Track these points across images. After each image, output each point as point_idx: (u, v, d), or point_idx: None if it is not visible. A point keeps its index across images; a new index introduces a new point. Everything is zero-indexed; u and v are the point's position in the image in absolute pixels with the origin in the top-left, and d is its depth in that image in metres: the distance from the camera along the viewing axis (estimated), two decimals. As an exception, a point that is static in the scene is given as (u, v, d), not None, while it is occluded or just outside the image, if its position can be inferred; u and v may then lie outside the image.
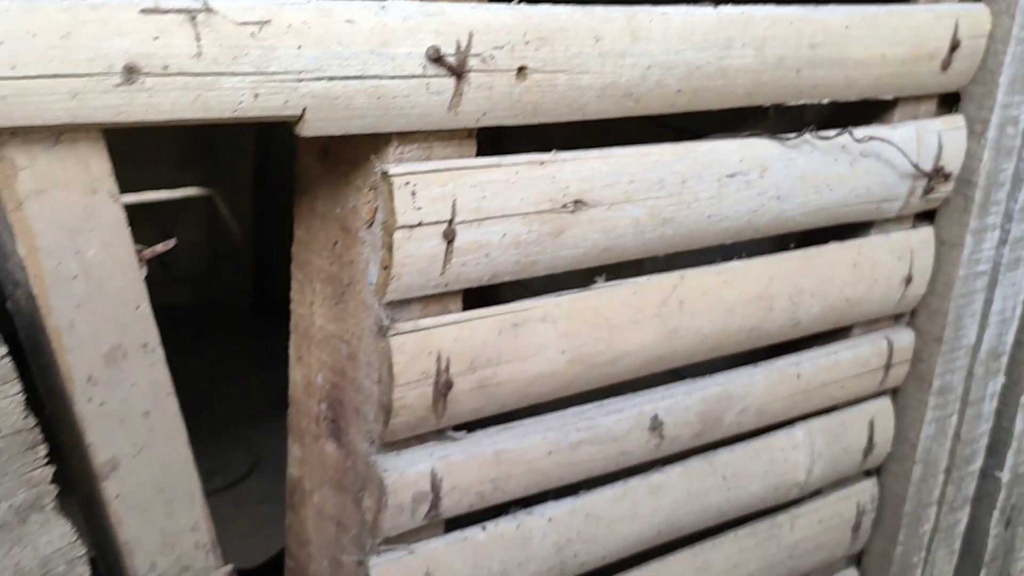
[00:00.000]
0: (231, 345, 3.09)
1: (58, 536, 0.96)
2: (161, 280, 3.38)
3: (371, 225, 1.12)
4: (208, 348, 3.05)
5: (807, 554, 1.72)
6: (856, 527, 1.78)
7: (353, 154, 1.12)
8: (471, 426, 1.27)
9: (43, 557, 0.95)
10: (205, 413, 2.77)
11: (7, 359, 0.89)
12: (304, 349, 1.26)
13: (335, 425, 1.24)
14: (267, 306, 3.24)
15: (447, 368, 1.17)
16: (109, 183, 0.95)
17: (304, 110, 0.99)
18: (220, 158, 3.16)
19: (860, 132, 1.42)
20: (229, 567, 1.15)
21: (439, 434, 1.24)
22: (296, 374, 1.29)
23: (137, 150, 3.00)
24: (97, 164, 0.94)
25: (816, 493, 1.72)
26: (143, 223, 3.39)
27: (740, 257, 1.43)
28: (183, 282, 3.17)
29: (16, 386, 0.90)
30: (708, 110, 1.30)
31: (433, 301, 1.17)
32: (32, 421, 0.92)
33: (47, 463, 0.94)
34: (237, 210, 3.18)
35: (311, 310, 1.24)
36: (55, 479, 0.96)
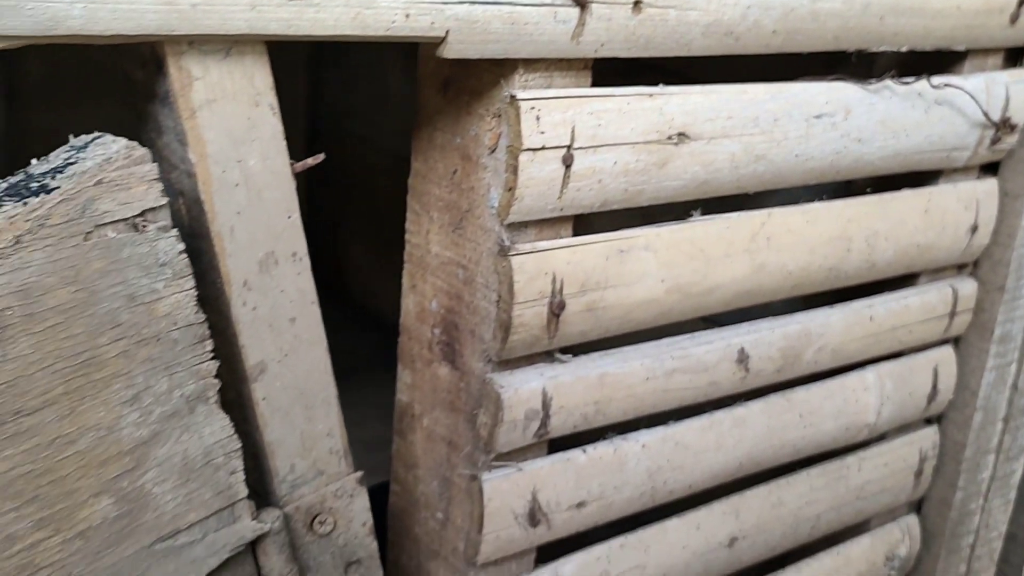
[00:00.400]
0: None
1: (219, 428, 1.03)
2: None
3: (493, 151, 1.18)
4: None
5: (872, 497, 1.78)
6: (918, 473, 1.84)
7: (477, 84, 1.19)
8: (573, 353, 1.34)
9: (206, 447, 1.02)
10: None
11: (183, 255, 0.96)
12: (418, 277, 1.33)
13: (449, 348, 1.31)
14: (318, 284, 3.30)
15: (561, 289, 1.24)
16: (270, 97, 1.02)
17: (447, 32, 1.06)
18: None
19: (937, 79, 1.48)
20: (359, 473, 1.21)
21: (548, 356, 1.31)
22: (409, 302, 1.35)
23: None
24: (261, 78, 1.01)
25: (881, 438, 1.79)
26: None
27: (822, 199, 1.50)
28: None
29: (190, 281, 0.97)
30: (799, 52, 1.36)
31: (547, 226, 1.24)
32: (202, 316, 0.99)
33: (212, 358, 1.01)
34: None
35: (427, 239, 1.31)
36: (217, 375, 1.02)
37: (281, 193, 1.05)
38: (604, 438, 1.41)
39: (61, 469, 0.89)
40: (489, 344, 1.25)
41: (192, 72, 0.96)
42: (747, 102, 1.32)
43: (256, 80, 1.00)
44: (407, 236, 1.34)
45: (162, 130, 1.02)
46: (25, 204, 0.82)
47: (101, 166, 0.87)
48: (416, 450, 1.40)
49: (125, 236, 0.90)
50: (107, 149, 0.89)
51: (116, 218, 0.89)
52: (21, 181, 0.85)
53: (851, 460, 1.73)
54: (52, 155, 0.90)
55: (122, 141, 0.92)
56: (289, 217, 1.07)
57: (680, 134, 1.27)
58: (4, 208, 0.82)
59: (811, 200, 1.50)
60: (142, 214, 0.92)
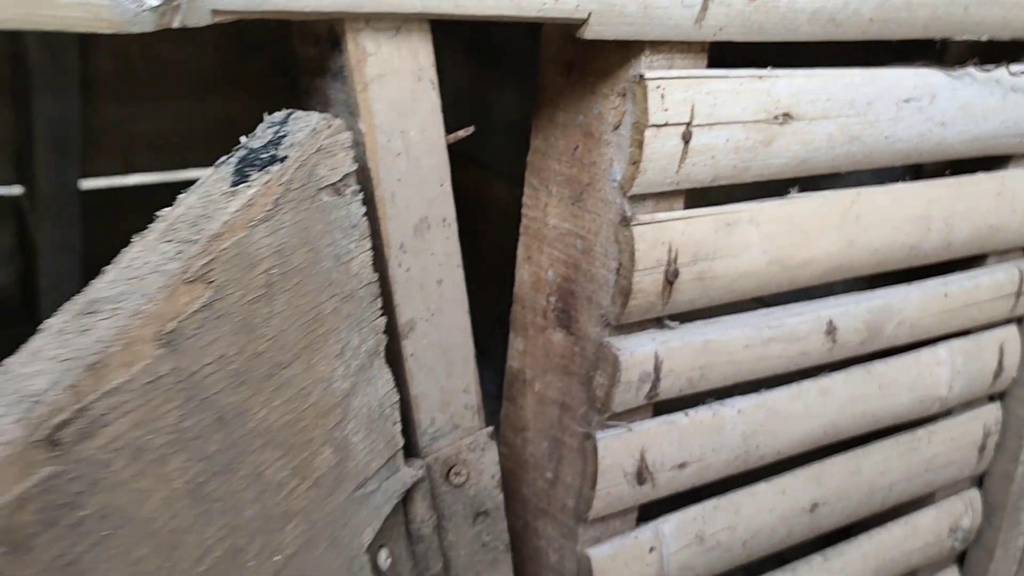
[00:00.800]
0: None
1: (386, 381, 1.11)
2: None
3: (617, 128, 1.27)
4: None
5: (940, 469, 1.86)
6: (982, 448, 1.92)
7: (602, 65, 1.27)
8: (680, 320, 1.42)
9: (380, 399, 1.10)
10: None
11: (365, 217, 1.05)
12: (534, 249, 1.42)
13: (564, 314, 1.39)
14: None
15: (675, 258, 1.32)
16: (431, 72, 1.10)
17: (590, 14, 1.14)
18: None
19: (1015, 67, 1.57)
20: (490, 428, 1.30)
21: (657, 322, 1.39)
22: (523, 272, 1.44)
23: (254, 124, 3.17)
24: (424, 55, 1.09)
25: (947, 413, 1.87)
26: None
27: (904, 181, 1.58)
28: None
29: (370, 242, 1.05)
30: (890, 40, 1.45)
31: (663, 199, 1.32)
32: (376, 275, 1.07)
33: (382, 314, 1.09)
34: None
35: (544, 212, 1.39)
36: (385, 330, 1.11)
37: (436, 161, 1.14)
38: (703, 403, 1.49)
39: (303, 419, 0.97)
40: (607, 309, 1.33)
41: (367, 48, 1.05)
42: (845, 85, 1.41)
43: (420, 56, 1.09)
44: (524, 210, 1.42)
45: (330, 103, 1.10)
46: (268, 172, 0.90)
47: (313, 136, 0.95)
48: (526, 413, 1.48)
49: (332, 200, 0.98)
50: (308, 121, 0.97)
51: (328, 183, 0.97)
52: (249, 155, 0.93)
53: (921, 433, 1.81)
54: (258, 131, 0.98)
55: (315, 114, 1.00)
56: (441, 185, 1.15)
57: (785, 114, 1.36)
58: (252, 176, 0.90)
59: (880, 182, 1.58)
60: (343, 179, 1.00)
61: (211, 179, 0.90)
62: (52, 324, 0.76)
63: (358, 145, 1.10)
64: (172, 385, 0.82)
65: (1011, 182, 1.71)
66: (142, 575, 0.80)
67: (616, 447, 1.39)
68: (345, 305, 1.01)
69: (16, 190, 2.86)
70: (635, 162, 1.25)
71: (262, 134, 0.96)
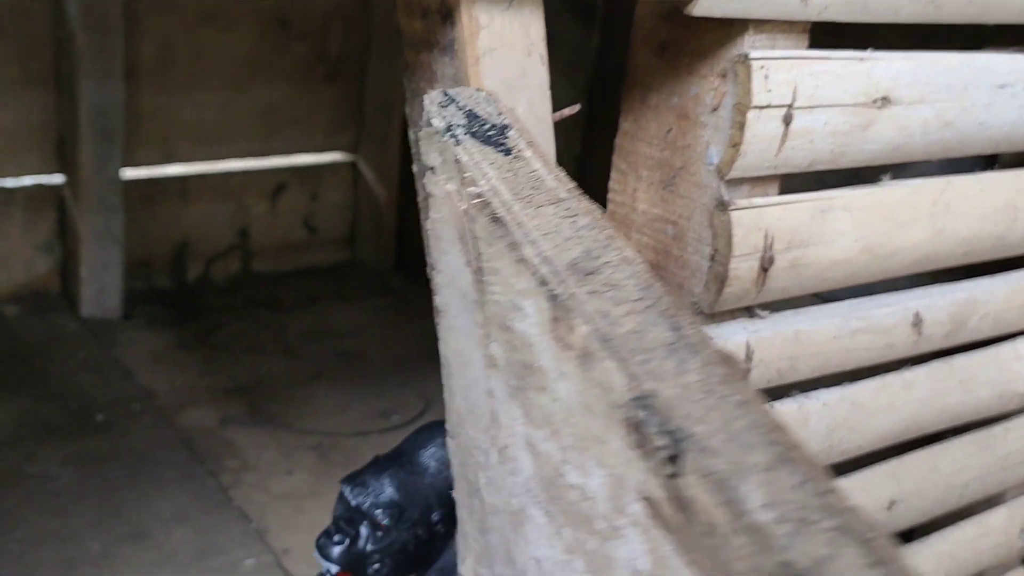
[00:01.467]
0: (377, 301, 3.23)
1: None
2: (308, 242, 3.55)
3: (716, 109, 1.23)
4: (356, 304, 3.18)
5: (1014, 467, 1.82)
6: (1055, 446, 1.88)
7: (698, 45, 1.24)
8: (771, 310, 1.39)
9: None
10: (371, 358, 2.90)
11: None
12: (621, 234, 1.38)
13: (653, 302, 1.35)
14: (407, 267, 3.36)
15: (771, 245, 1.28)
16: (541, 47, 1.07)
17: (701, -10, 1.11)
18: (368, 126, 3.29)
19: (1108, 53, 1.53)
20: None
21: (747, 311, 1.35)
22: (609, 259, 1.40)
23: (295, 115, 3.14)
24: (535, 29, 1.06)
25: (1021, 411, 1.83)
26: (293, 184, 3.60)
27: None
28: (329, 244, 3.30)
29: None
30: (984, 23, 1.41)
31: (759, 183, 1.28)
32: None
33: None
34: (382, 176, 3.30)
35: (633, 197, 1.36)
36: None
37: (543, 139, 1.11)
38: (788, 395, 1.45)
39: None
40: (700, 297, 1.29)
41: (480, 21, 1.02)
42: (942, 69, 1.37)
43: (531, 31, 1.05)
44: (610, 195, 1.39)
45: (436, 78, 1.07)
46: (510, 138, 0.89)
47: (492, 103, 0.93)
48: (608, 404, 1.44)
49: None
50: (471, 94, 0.95)
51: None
52: (472, 130, 0.91)
53: (997, 430, 1.77)
54: (431, 111, 0.94)
55: (470, 88, 0.97)
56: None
57: (884, 98, 1.32)
58: (508, 144, 0.89)
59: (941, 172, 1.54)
60: None
61: (476, 153, 0.89)
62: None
63: (465, 121, 1.06)
64: None
65: (1096, 173, 1.67)
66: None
67: (704, 439, 1.35)
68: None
69: (58, 179, 2.83)
70: (735, 144, 1.21)
71: (446, 112, 0.93)
